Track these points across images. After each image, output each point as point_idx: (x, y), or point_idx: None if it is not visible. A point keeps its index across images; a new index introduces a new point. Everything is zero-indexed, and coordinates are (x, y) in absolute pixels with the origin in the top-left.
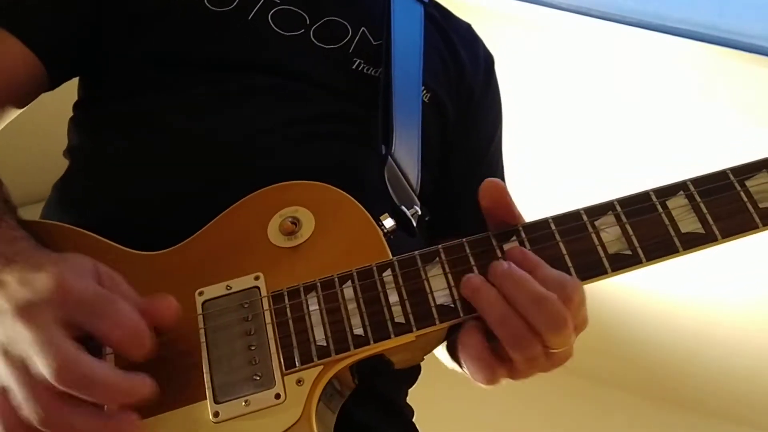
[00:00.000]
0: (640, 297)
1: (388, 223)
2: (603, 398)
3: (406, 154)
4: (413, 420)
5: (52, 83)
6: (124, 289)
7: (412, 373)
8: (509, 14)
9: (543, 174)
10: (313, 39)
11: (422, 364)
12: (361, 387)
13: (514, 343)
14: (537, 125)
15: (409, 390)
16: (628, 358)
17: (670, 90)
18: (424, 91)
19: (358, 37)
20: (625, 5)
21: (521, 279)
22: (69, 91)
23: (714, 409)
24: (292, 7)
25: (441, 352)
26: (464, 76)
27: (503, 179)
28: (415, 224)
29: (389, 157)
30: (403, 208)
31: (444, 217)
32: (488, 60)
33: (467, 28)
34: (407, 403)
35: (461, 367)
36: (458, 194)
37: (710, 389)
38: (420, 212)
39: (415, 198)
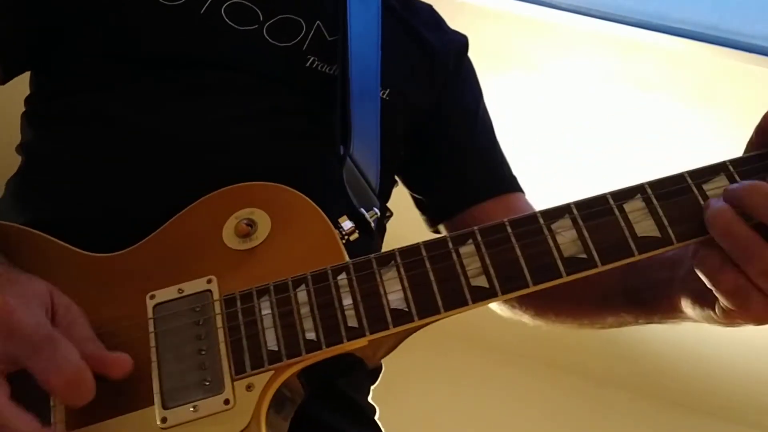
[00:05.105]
0: None
1: (347, 225)
2: (603, 398)
3: (365, 154)
4: (376, 419)
5: (5, 75)
6: (78, 325)
7: (373, 372)
8: (509, 14)
9: (539, 175)
10: (266, 36)
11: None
12: (312, 394)
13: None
14: (535, 125)
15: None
16: (627, 358)
17: (670, 90)
18: (382, 89)
19: (312, 33)
20: (625, 5)
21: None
22: (22, 83)
23: (714, 409)
24: (245, 2)
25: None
26: (434, 56)
27: (496, 140)
28: (373, 226)
29: (348, 158)
30: (362, 210)
31: (450, 192)
32: (458, 39)
33: (429, 10)
34: (369, 402)
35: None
36: (462, 160)
37: (710, 389)
38: (379, 214)
39: (375, 199)
